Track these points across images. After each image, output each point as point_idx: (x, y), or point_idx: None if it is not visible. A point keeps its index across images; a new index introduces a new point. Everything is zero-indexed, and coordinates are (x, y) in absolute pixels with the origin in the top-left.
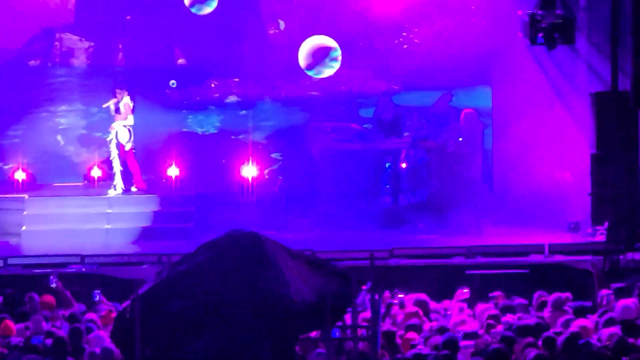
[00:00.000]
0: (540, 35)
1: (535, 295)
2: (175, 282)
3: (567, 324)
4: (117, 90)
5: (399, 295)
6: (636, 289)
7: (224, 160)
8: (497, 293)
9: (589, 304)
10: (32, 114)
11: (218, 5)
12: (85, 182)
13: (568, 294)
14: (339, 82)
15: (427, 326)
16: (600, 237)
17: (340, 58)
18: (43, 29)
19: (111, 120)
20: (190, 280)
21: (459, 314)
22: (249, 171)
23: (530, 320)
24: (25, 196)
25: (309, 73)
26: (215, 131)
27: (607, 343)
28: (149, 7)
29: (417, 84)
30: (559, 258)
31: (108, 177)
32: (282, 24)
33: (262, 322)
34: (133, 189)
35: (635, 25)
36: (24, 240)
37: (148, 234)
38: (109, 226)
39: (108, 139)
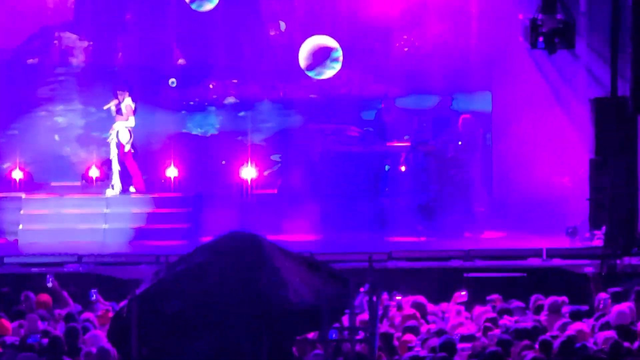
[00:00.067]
0: (541, 39)
1: (532, 298)
2: (172, 283)
3: (563, 328)
4: (118, 92)
5: (397, 298)
6: (633, 293)
7: (223, 162)
8: (494, 296)
9: (585, 307)
10: (30, 112)
11: (218, 5)
12: (83, 181)
13: (564, 298)
14: (338, 84)
15: (424, 328)
16: (598, 242)
17: (341, 59)
18: (42, 28)
19: (111, 120)
20: (187, 281)
21: (457, 316)
22: (248, 172)
23: (527, 323)
24: (23, 195)
25: (310, 74)
26: (215, 132)
27: (603, 347)
28: (149, 7)
29: (417, 87)
30: (556, 262)
31: (106, 177)
32: (282, 26)
33: (259, 323)
34: (131, 189)
35: (635, 31)
36: (20, 239)
37: (145, 235)
38: (106, 226)
39: (108, 139)
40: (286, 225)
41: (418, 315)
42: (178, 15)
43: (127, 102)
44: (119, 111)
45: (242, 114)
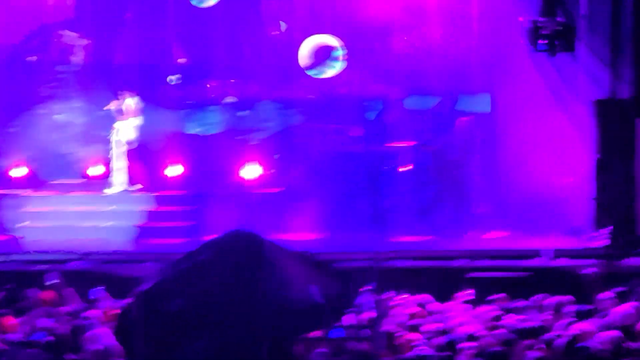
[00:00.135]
0: (542, 42)
1: (536, 298)
2: (175, 281)
3: (567, 327)
4: (119, 92)
5: (401, 297)
6: (636, 293)
7: (224, 160)
8: (498, 296)
9: (589, 307)
10: (30, 110)
11: (219, 4)
12: (85, 179)
13: (569, 297)
14: (339, 84)
15: (428, 327)
16: (602, 242)
17: (342, 58)
18: (42, 26)
19: (111, 118)
20: (189, 280)
21: (460, 315)
22: (249, 171)
23: (532, 322)
24: (26, 193)
25: (311, 73)
26: (215, 131)
27: (606, 346)
28: (149, 5)
29: (417, 88)
30: (560, 262)
31: (108, 174)
32: (283, 26)
33: (260, 323)
34: (133, 187)
35: (635, 34)
36: (24, 236)
37: (148, 232)
38: (109, 224)
39: (111, 138)
40: (288, 224)
41: (422, 314)
42: (178, 14)
43: (129, 102)
44: (119, 111)
45: (243, 113)
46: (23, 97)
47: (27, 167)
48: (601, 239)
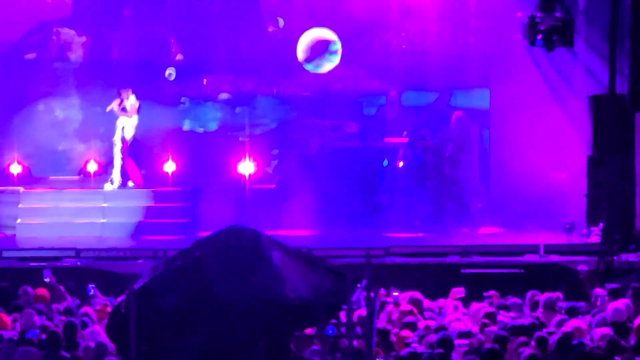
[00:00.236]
0: (539, 37)
1: (528, 295)
2: (170, 278)
3: (560, 324)
4: (122, 90)
5: (394, 294)
6: (629, 289)
7: (219, 157)
8: (491, 292)
9: (581, 304)
10: (28, 107)
11: (217, 1)
12: (81, 175)
13: (558, 294)
14: (336, 80)
15: (421, 324)
16: (595, 238)
17: (340, 51)
18: (40, 23)
19: (109, 115)
20: (185, 276)
21: (454, 312)
22: (246, 167)
23: (524, 320)
24: (21, 189)
25: (308, 66)
26: (212, 127)
27: (600, 343)
28: (147, 2)
29: (415, 84)
30: (553, 258)
31: (104, 171)
32: (281, 22)
33: (256, 319)
34: (130, 183)
35: (633, 29)
36: (18, 233)
37: (144, 229)
38: (104, 220)
39: (114, 135)
40: (284, 220)
41: (415, 311)
42: (176, 10)
43: (132, 100)
44: (123, 109)
45: (239, 109)
46: (21, 93)
47: (24, 163)
48: (595, 235)
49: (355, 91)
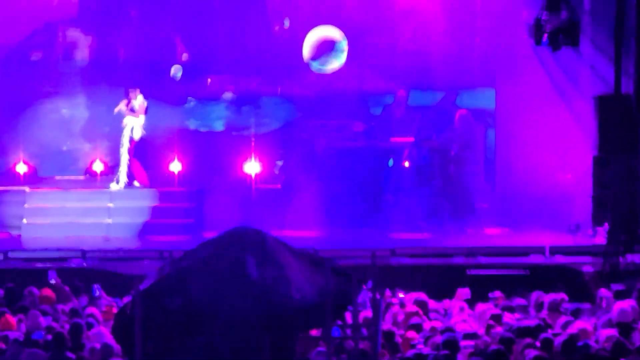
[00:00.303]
0: (545, 37)
1: (534, 296)
2: (176, 279)
3: (566, 326)
4: (130, 90)
5: (400, 295)
6: (635, 291)
7: (225, 156)
8: (497, 293)
9: (586, 305)
10: (35, 107)
11: (223, 1)
12: (87, 175)
13: (563, 295)
14: (342, 79)
15: (427, 326)
16: (601, 239)
17: (346, 50)
18: (46, 23)
19: (121, 116)
20: (191, 277)
21: (459, 313)
22: (252, 167)
23: (530, 321)
24: (27, 189)
25: (314, 64)
26: (218, 127)
27: (605, 345)
28: (152, 2)
29: (421, 83)
30: (559, 259)
31: (110, 170)
32: (287, 22)
33: (262, 320)
34: (135, 183)
35: (639, 29)
36: (24, 233)
37: (149, 229)
38: (110, 220)
39: (122, 135)
40: (289, 220)
41: (421, 312)
42: (182, 10)
43: (140, 100)
44: (132, 110)
45: (246, 108)
46: (27, 93)
47: (30, 162)
48: (601, 236)
49: (360, 91)
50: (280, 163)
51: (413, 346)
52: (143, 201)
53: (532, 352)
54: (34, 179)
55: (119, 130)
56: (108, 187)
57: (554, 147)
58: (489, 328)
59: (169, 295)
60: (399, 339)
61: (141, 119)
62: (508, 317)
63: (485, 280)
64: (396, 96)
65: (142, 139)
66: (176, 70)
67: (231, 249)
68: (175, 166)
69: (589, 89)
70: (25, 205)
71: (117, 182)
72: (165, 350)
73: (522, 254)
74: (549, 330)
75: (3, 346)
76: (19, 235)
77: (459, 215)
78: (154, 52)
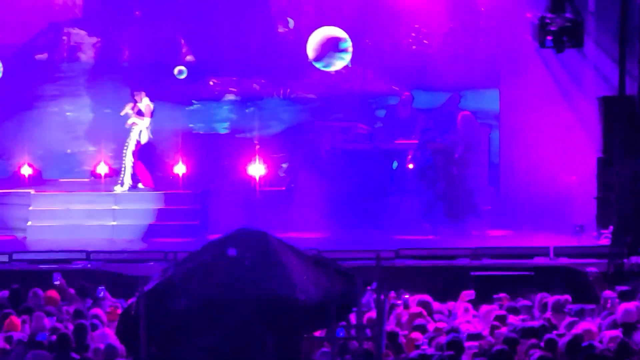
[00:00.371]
0: (549, 38)
1: (538, 297)
2: (180, 280)
3: (570, 326)
4: (135, 93)
5: (405, 296)
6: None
7: (229, 158)
8: (501, 295)
9: (590, 306)
10: (39, 108)
11: (227, 1)
12: (92, 178)
13: (567, 296)
14: (346, 81)
15: (431, 326)
16: (605, 241)
17: (350, 49)
18: (50, 24)
19: (125, 118)
20: (195, 278)
21: (464, 314)
22: (256, 169)
23: (535, 322)
24: (31, 191)
25: (318, 64)
26: (223, 129)
27: (610, 346)
28: (157, 3)
29: (425, 85)
30: (563, 261)
31: (114, 173)
32: (291, 23)
33: (266, 321)
34: (140, 186)
35: None
36: (29, 235)
37: (154, 231)
38: (114, 223)
39: (128, 139)
40: (294, 222)
41: (425, 313)
42: (186, 11)
43: (146, 102)
44: (138, 112)
45: (249, 110)
46: (31, 95)
47: (35, 165)
48: (605, 238)
49: (364, 92)
50: (285, 166)
51: (417, 347)
52: (148, 203)
53: (537, 353)
54: (38, 181)
55: (124, 132)
56: (112, 190)
57: (558, 148)
58: (493, 329)
59: (173, 297)
60: (402, 340)
61: (147, 121)
62: (512, 318)
63: (490, 282)
64: (401, 97)
65: (147, 141)
66: (180, 70)
67: (236, 250)
68: (180, 168)
69: (593, 90)
70: (30, 208)
71: (122, 185)
72: (169, 351)
73: (527, 255)
74: (554, 331)
75: (8, 347)
76: (24, 238)
77: (463, 217)
78: (159, 53)
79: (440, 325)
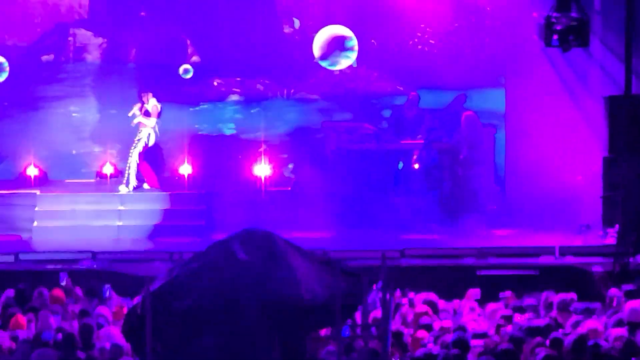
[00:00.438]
0: (555, 37)
1: (543, 296)
2: (186, 280)
3: (576, 325)
4: (143, 94)
5: (410, 295)
6: None
7: (235, 159)
8: (507, 293)
9: (596, 305)
10: (45, 109)
11: (233, 2)
12: (98, 178)
13: (573, 295)
14: (351, 81)
15: (437, 325)
16: (611, 240)
17: (356, 48)
18: (57, 25)
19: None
20: (201, 278)
21: (469, 313)
22: (262, 170)
23: (540, 320)
24: (37, 192)
25: (324, 63)
26: (228, 129)
27: (615, 344)
28: (163, 4)
29: (430, 84)
30: (569, 260)
31: (120, 173)
32: (297, 23)
33: (272, 320)
34: (145, 186)
35: None
36: (35, 236)
37: (160, 232)
38: (120, 223)
39: (136, 139)
40: (299, 222)
41: (430, 312)
42: (192, 12)
43: (153, 102)
44: (147, 113)
45: (255, 111)
46: (37, 95)
47: (41, 165)
48: (611, 237)
49: (369, 92)
50: (290, 166)
51: (423, 345)
52: (153, 204)
53: (542, 352)
54: (44, 182)
55: (130, 133)
56: (117, 190)
57: (564, 147)
58: (498, 327)
59: (178, 296)
60: (408, 339)
61: (153, 121)
62: (518, 317)
63: (496, 281)
64: (408, 97)
65: (154, 142)
66: (185, 69)
67: (241, 250)
68: (185, 169)
69: (599, 90)
70: (36, 208)
71: (127, 185)
72: (174, 350)
73: (532, 254)
74: (559, 330)
75: (14, 346)
76: (30, 238)
77: (469, 217)
78: (165, 54)
79: (446, 323)
